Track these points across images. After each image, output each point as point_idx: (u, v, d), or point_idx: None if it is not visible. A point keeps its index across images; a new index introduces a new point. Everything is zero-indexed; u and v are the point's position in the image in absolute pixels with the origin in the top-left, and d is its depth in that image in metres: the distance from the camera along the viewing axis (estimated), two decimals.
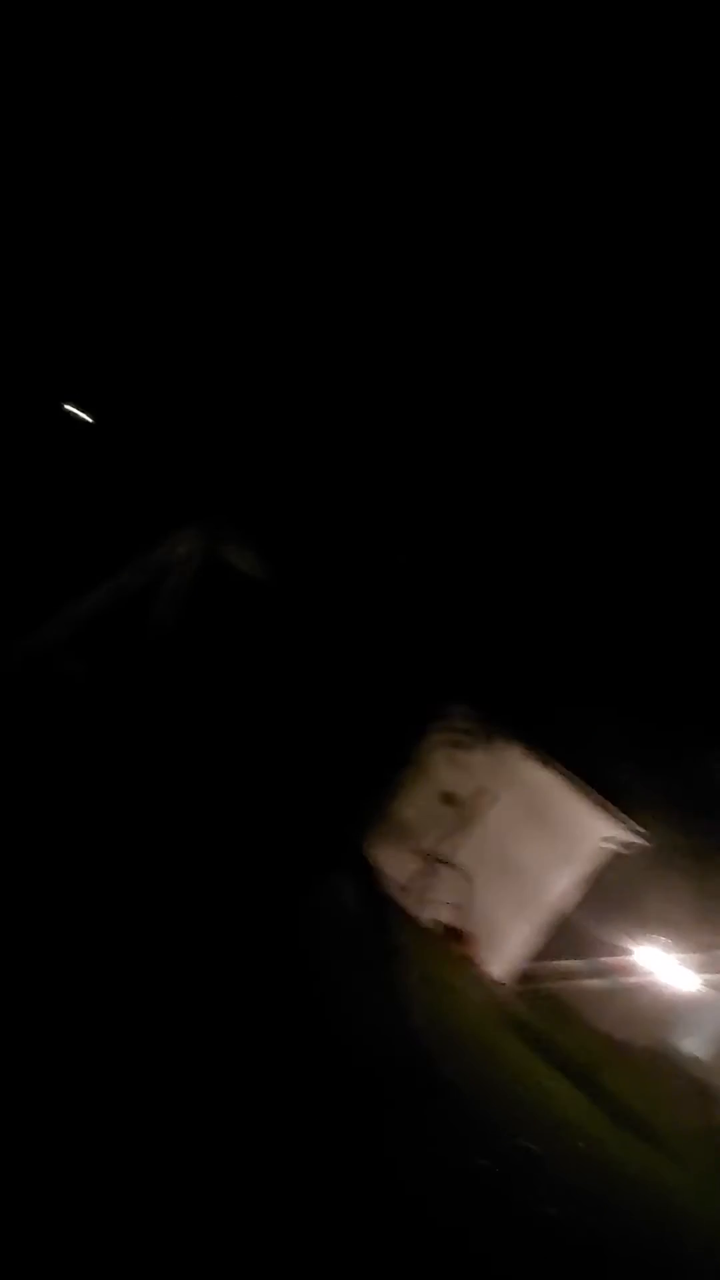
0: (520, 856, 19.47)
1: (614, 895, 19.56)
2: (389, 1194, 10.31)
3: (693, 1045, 19.54)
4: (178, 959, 11.32)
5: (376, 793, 18.02)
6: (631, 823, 19.29)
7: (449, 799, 19.52)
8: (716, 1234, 14.52)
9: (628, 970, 18.95)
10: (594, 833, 19.44)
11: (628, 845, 19.57)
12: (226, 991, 11.46)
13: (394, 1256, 9.16)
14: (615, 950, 19.04)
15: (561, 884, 19.43)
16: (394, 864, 19.01)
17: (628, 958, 18.84)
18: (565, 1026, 18.25)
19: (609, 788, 19.21)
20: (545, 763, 19.28)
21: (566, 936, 19.32)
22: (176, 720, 15.11)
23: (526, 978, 18.91)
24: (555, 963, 19.03)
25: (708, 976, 18.94)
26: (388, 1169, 10.84)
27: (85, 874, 11.49)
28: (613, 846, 19.50)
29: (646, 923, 19.30)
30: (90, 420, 17.90)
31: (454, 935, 18.90)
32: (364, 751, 16.90)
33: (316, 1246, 8.48)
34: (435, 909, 18.96)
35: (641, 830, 19.32)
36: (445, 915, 18.97)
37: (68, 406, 17.58)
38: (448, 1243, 10.17)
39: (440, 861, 19.11)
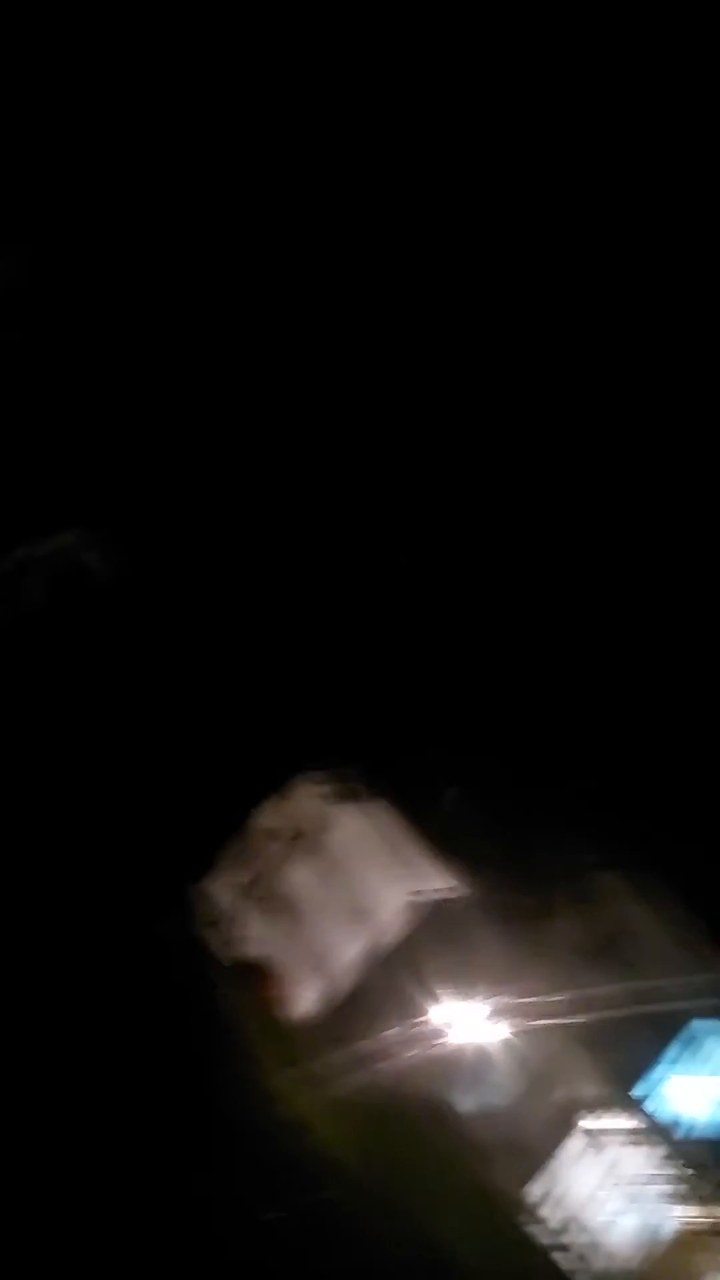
0: (335, 900, 19.38)
1: (425, 945, 19.35)
2: (178, 1240, 10.78)
3: (485, 1101, 19.79)
4: None
5: (202, 826, 17.89)
6: (457, 872, 19.44)
7: (274, 837, 19.40)
8: None
9: (425, 1024, 18.77)
10: (413, 882, 19.46)
11: (445, 897, 19.58)
12: (30, 1026, 11.53)
13: None
14: (419, 1000, 18.85)
15: (382, 929, 19.35)
16: (212, 900, 18.82)
17: (429, 1009, 18.73)
18: (364, 1081, 17.90)
19: (433, 839, 19.36)
20: (374, 810, 19.31)
21: (380, 983, 19.12)
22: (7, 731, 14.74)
23: (326, 1024, 18.72)
24: (356, 1009, 18.82)
25: (503, 1032, 19.03)
26: (178, 1210, 11.19)
27: None
28: (437, 894, 19.53)
29: (462, 972, 19.14)
30: None
31: (260, 974, 18.70)
32: (197, 786, 16.75)
33: None
34: (246, 947, 18.76)
35: (466, 881, 19.47)
36: (255, 953, 18.78)
37: None
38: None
39: (258, 900, 18.96)
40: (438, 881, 19.63)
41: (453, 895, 19.66)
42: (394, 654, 18.26)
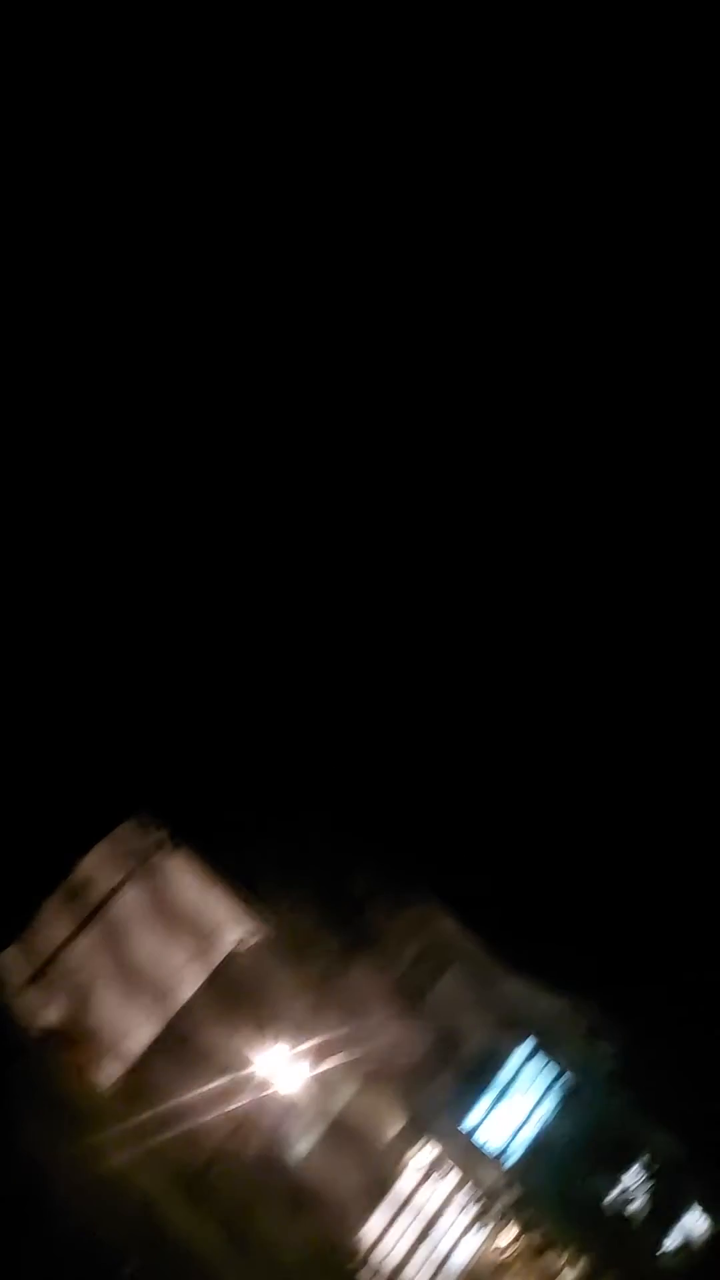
0: (144, 955, 18.62)
1: (237, 992, 18.89)
2: None
3: (297, 1150, 19.23)
4: None
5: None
6: (261, 917, 19.06)
7: (75, 895, 18.43)
8: None
9: (242, 1078, 18.10)
10: (223, 927, 19.01)
11: (256, 940, 19.16)
12: None
13: None
14: (233, 1053, 18.26)
15: (185, 982, 18.74)
16: (13, 967, 17.79)
17: (244, 1064, 18.13)
18: (177, 1140, 16.95)
19: (244, 883, 18.99)
20: (180, 856, 18.84)
21: (186, 1038, 18.43)
22: None
23: (140, 1087, 17.74)
24: (170, 1070, 17.91)
25: (311, 1076, 18.60)
26: None
27: None
28: (241, 942, 19.10)
29: (267, 1020, 18.70)
30: None
31: (68, 1041, 17.64)
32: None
33: None
34: (51, 1013, 17.71)
35: (269, 925, 19.10)
36: (60, 1020, 17.75)
37: None
38: None
39: (60, 964, 18.03)
40: (252, 924, 19.18)
41: (256, 941, 19.19)
42: (204, 700, 17.72)
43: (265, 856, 19.08)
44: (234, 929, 19.03)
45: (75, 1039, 17.83)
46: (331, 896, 19.63)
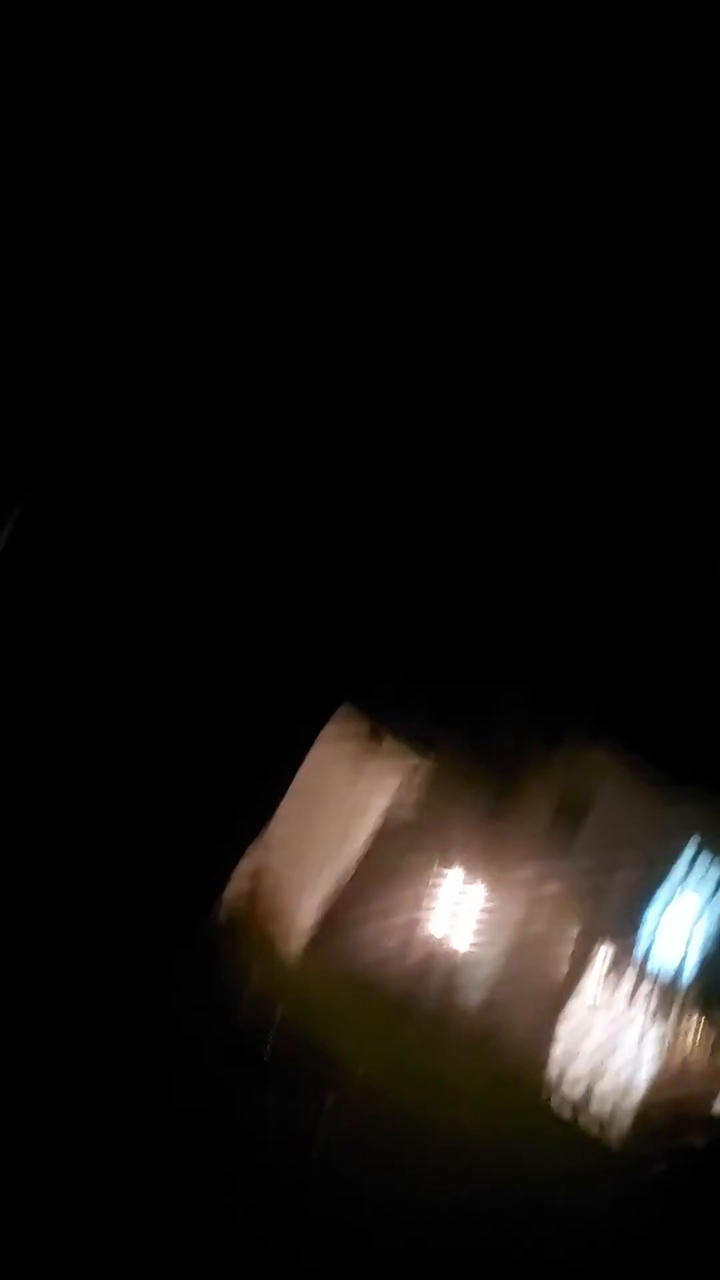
0: (318, 812, 18.68)
1: (409, 836, 19.07)
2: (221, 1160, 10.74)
3: (473, 996, 19.81)
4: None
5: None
6: (425, 763, 19.05)
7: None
8: (506, 1173, 15.06)
9: (416, 925, 18.71)
10: (391, 774, 19.03)
11: (423, 782, 19.19)
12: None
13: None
14: (408, 896, 18.70)
15: (356, 839, 18.89)
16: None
17: (417, 909, 18.64)
18: (359, 987, 17.94)
19: (405, 732, 18.92)
20: (344, 709, 18.56)
21: (363, 888, 18.73)
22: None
23: (323, 940, 18.32)
24: (349, 922, 18.43)
25: (487, 911, 19.13)
26: (216, 1131, 11.23)
27: None
28: (408, 785, 19.13)
29: (437, 863, 19.08)
30: None
31: (255, 902, 18.12)
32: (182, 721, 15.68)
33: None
34: (239, 879, 18.06)
35: (434, 771, 19.10)
36: (247, 884, 18.11)
37: None
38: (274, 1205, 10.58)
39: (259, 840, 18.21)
40: (418, 764, 19.19)
41: (425, 778, 19.23)
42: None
43: (423, 705, 19.07)
44: (399, 779, 19.14)
45: (260, 899, 18.35)
46: (489, 736, 19.58)
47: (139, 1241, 8.62)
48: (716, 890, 22.13)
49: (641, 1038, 21.20)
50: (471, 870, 19.32)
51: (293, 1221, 10.66)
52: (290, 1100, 13.28)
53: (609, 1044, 20.09)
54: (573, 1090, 18.79)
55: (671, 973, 21.72)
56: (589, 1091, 19.03)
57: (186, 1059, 12.53)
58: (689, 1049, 21.48)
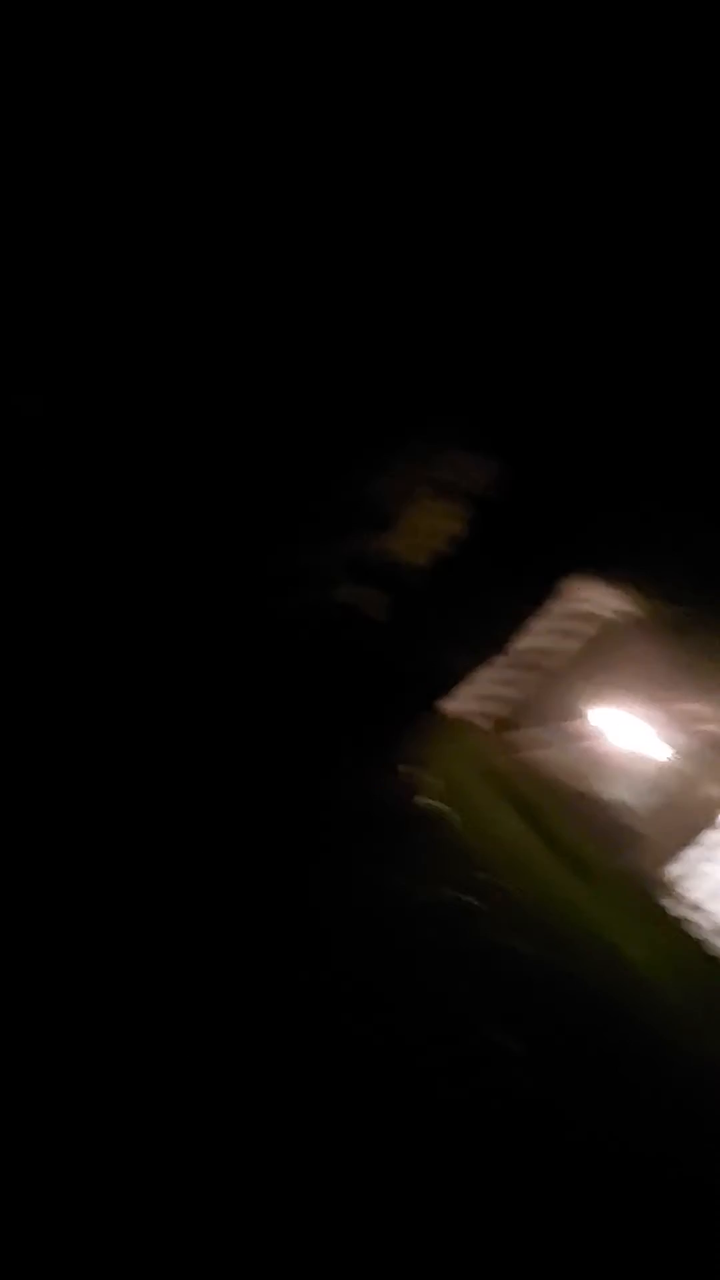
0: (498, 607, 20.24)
1: (591, 660, 20.64)
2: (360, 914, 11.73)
3: (632, 796, 21.73)
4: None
5: None
6: (620, 591, 20.16)
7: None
8: (642, 972, 16.51)
9: (590, 728, 20.58)
10: (583, 599, 20.34)
11: (614, 613, 20.46)
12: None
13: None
14: (584, 709, 20.55)
15: (540, 639, 20.54)
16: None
17: (594, 716, 20.45)
18: (526, 774, 19.98)
19: (599, 559, 19.82)
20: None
21: (540, 692, 20.69)
22: None
23: (498, 727, 20.45)
24: (526, 715, 20.53)
25: (656, 736, 20.66)
26: (364, 888, 12.26)
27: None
28: (600, 614, 20.46)
29: (618, 687, 20.54)
30: None
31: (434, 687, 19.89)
32: None
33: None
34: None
35: (629, 599, 20.22)
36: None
37: None
38: (410, 971, 11.45)
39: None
40: (610, 598, 20.40)
41: (626, 610, 20.44)
42: None
43: (641, 549, 19.84)
44: (599, 603, 20.49)
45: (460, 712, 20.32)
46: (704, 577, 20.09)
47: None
48: None
49: None
50: (658, 697, 20.55)
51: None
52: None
53: None
54: (688, 897, 20.30)
55: None
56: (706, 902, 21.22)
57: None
58: None
